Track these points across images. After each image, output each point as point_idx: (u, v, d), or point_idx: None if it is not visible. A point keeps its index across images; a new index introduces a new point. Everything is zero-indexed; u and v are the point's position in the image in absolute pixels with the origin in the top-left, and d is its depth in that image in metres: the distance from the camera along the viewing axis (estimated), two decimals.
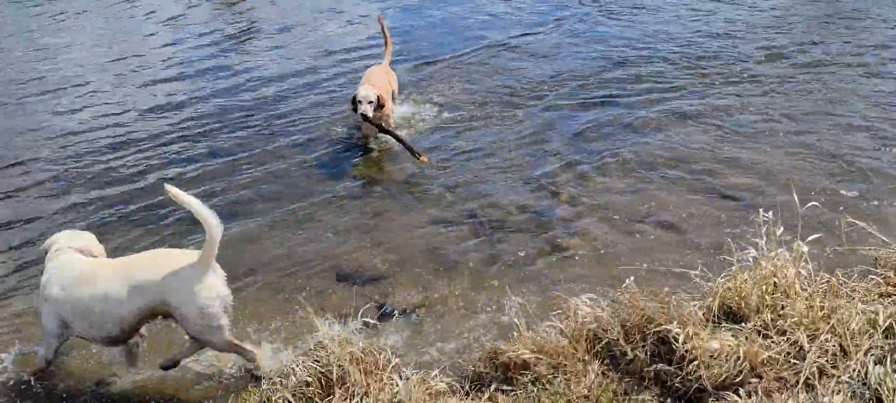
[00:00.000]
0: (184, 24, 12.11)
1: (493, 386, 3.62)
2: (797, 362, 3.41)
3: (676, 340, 3.49)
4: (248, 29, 11.67)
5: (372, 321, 3.98)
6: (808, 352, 3.39)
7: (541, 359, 3.58)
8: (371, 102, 6.84)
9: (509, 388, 3.60)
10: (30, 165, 7.40)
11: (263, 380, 3.87)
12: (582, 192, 6.14)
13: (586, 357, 3.63)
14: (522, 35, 10.24)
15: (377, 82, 7.22)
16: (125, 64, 10.36)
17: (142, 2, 13.36)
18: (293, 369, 3.74)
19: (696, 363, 3.42)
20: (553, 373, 3.55)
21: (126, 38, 11.69)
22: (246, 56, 10.35)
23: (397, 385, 3.53)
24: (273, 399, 3.68)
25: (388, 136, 7.05)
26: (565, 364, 3.56)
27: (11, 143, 7.93)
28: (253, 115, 8.21)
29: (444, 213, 5.98)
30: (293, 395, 3.60)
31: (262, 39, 11.11)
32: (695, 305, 3.78)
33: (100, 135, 7.96)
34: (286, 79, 9.25)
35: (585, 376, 3.53)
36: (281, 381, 3.75)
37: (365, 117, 6.87)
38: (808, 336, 3.47)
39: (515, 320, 3.84)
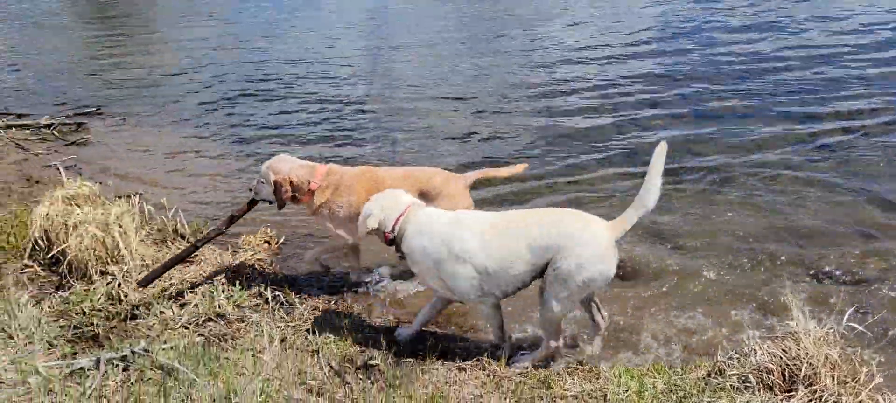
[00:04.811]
0: None
1: None
2: None
3: None
4: None
5: (858, 327, 3.63)
6: None
7: None
8: (263, 182, 4.92)
9: None
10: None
11: (720, 351, 3.89)
12: None
13: None
14: None
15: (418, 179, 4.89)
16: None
17: None
18: (754, 350, 3.68)
19: None
20: None
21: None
22: None
23: None
24: (726, 372, 3.70)
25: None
26: None
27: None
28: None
29: None
30: (752, 374, 3.55)
31: None
32: None
33: None
34: None
35: None
36: (739, 358, 3.73)
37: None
38: None
39: None
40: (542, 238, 3.86)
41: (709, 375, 3.82)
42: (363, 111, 9.39)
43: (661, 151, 3.81)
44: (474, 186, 5.04)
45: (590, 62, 11.23)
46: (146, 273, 4.85)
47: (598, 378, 3.93)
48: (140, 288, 4.76)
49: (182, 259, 4.98)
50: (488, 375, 4.02)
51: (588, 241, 3.81)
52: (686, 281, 5.06)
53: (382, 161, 7.51)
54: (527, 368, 4.08)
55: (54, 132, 9.14)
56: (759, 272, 5.13)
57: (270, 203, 4.98)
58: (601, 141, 7.87)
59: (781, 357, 3.57)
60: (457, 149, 7.92)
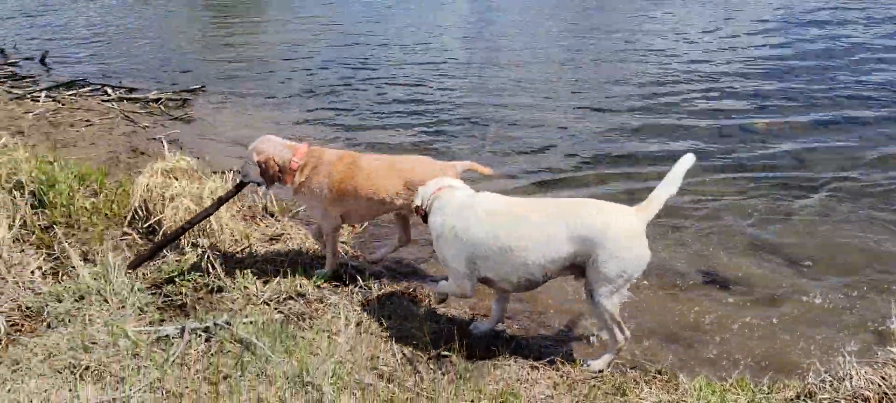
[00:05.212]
0: None
1: None
2: None
3: None
4: None
5: None
6: None
7: None
8: (249, 163, 4.83)
9: None
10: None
11: (812, 373, 3.68)
12: None
13: None
14: None
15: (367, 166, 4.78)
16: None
17: None
18: (850, 375, 3.46)
19: None
20: None
21: None
22: None
23: None
24: (817, 395, 3.51)
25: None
26: None
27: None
28: None
29: None
30: (845, 400, 3.35)
31: None
32: None
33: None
34: None
35: None
36: (832, 382, 3.52)
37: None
38: None
39: None
40: (571, 230, 3.80)
41: (798, 397, 3.63)
42: (459, 105, 9.35)
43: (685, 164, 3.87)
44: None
45: (703, 63, 10.82)
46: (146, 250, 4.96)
47: (676, 389, 3.80)
48: (130, 271, 4.79)
49: (171, 241, 5.00)
50: (561, 376, 3.95)
51: (619, 233, 3.75)
52: (791, 297, 4.82)
53: (473, 152, 7.53)
54: (601, 372, 3.99)
55: (161, 106, 9.63)
56: (872, 295, 4.80)
57: (258, 185, 4.96)
58: (705, 142, 7.60)
59: (880, 385, 3.35)
60: (547, 144, 7.83)
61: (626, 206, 3.90)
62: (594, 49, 12.11)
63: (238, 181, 5.01)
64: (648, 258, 3.83)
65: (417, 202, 4.33)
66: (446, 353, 4.07)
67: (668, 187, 3.84)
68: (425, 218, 4.30)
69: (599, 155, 7.44)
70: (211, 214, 5.09)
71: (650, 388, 3.80)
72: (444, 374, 3.90)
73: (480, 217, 4.00)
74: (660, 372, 4.00)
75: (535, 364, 4.05)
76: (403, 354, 4.08)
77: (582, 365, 4.04)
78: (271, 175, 4.76)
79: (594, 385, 3.83)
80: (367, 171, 4.73)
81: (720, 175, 6.73)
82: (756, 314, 4.64)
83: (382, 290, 4.86)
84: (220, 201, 5.01)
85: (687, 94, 9.26)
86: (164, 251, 5.07)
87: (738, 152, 7.29)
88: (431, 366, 3.99)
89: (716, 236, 5.61)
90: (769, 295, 4.84)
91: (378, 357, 4.00)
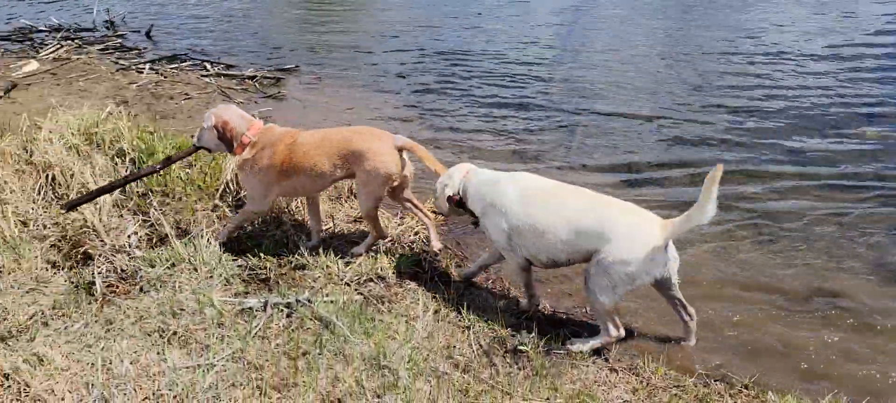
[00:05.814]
0: None
1: None
2: None
3: None
4: None
5: None
6: None
7: None
8: (205, 128, 4.89)
9: None
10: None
11: None
12: None
13: None
14: None
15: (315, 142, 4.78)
16: None
17: None
18: None
19: None
20: None
21: None
22: None
23: None
24: None
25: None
26: None
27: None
28: None
29: None
30: None
31: None
32: None
33: None
34: None
35: None
36: None
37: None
38: None
39: None
40: (586, 222, 3.93)
41: None
42: (553, 103, 9.07)
43: (715, 174, 3.56)
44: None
45: (811, 66, 10.22)
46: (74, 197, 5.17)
47: None
48: (63, 211, 4.96)
49: (112, 189, 5.14)
50: (641, 382, 3.84)
51: (635, 236, 3.80)
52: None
53: (560, 147, 7.40)
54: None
55: (256, 84, 9.91)
56: None
57: (209, 151, 5.06)
58: (810, 151, 7.23)
59: None
60: (635, 144, 7.61)
61: (655, 216, 3.92)
62: (695, 50, 11.68)
63: (192, 145, 5.09)
64: (657, 273, 3.84)
65: (449, 192, 4.51)
66: (523, 348, 4.02)
67: (701, 208, 3.60)
68: (460, 203, 4.50)
69: (689, 159, 7.13)
70: (158, 171, 5.29)
71: (736, 402, 3.65)
72: (520, 369, 3.86)
73: (515, 192, 4.21)
74: (746, 387, 3.83)
75: (615, 367, 3.96)
76: (480, 345, 4.06)
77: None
78: (229, 140, 4.81)
79: (676, 394, 3.70)
80: (304, 148, 4.75)
81: (827, 186, 6.38)
82: (856, 334, 4.37)
83: (462, 279, 4.84)
84: (169, 160, 5.15)
85: (791, 99, 8.80)
86: (240, 226, 5.22)
87: (847, 163, 6.88)
88: (508, 360, 3.95)
89: (819, 250, 5.32)
90: (872, 315, 4.55)
91: (454, 347, 4.00)
